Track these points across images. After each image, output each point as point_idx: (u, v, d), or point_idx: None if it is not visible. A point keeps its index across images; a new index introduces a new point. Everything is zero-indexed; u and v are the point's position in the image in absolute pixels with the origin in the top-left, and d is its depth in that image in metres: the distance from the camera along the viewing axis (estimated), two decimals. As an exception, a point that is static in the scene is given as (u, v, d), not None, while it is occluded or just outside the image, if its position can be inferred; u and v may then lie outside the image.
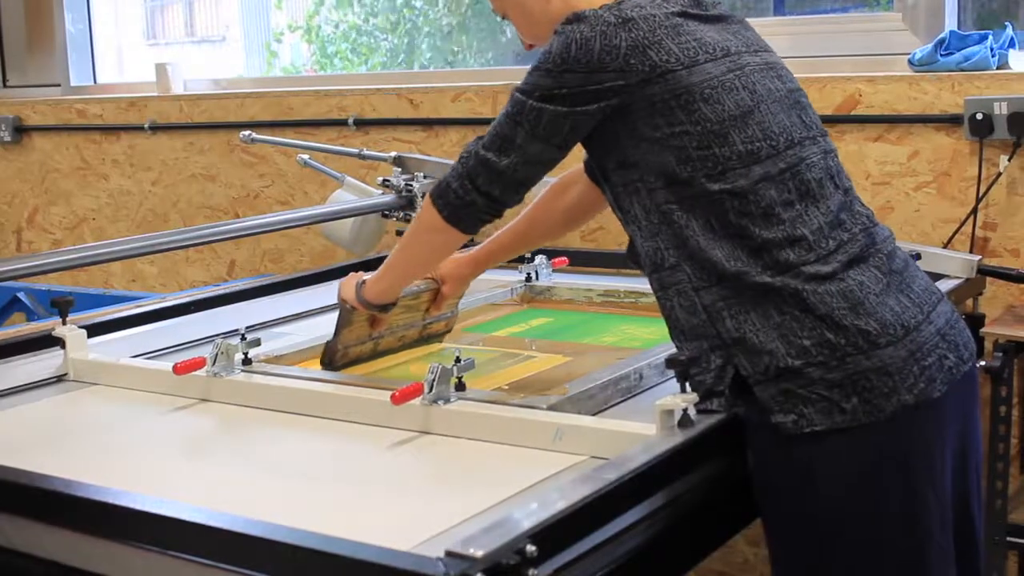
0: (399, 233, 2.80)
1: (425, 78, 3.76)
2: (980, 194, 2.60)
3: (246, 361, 1.97)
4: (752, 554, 2.93)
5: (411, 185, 2.93)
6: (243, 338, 1.98)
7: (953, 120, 2.64)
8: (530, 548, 1.18)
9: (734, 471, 1.64)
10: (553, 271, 2.66)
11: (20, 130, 4.32)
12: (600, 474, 1.40)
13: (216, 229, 2.75)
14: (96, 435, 1.86)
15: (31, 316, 3.36)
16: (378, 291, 1.96)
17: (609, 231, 3.08)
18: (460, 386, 1.78)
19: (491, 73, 3.57)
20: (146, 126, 3.98)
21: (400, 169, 3.00)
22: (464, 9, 3.89)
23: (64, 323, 2.15)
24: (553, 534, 1.25)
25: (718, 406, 1.60)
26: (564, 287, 2.59)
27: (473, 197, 1.72)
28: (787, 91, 1.69)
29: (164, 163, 3.99)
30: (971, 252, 2.60)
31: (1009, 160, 2.59)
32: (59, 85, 4.41)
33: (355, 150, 3.17)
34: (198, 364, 1.95)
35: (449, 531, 1.36)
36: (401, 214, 2.95)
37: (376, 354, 2.09)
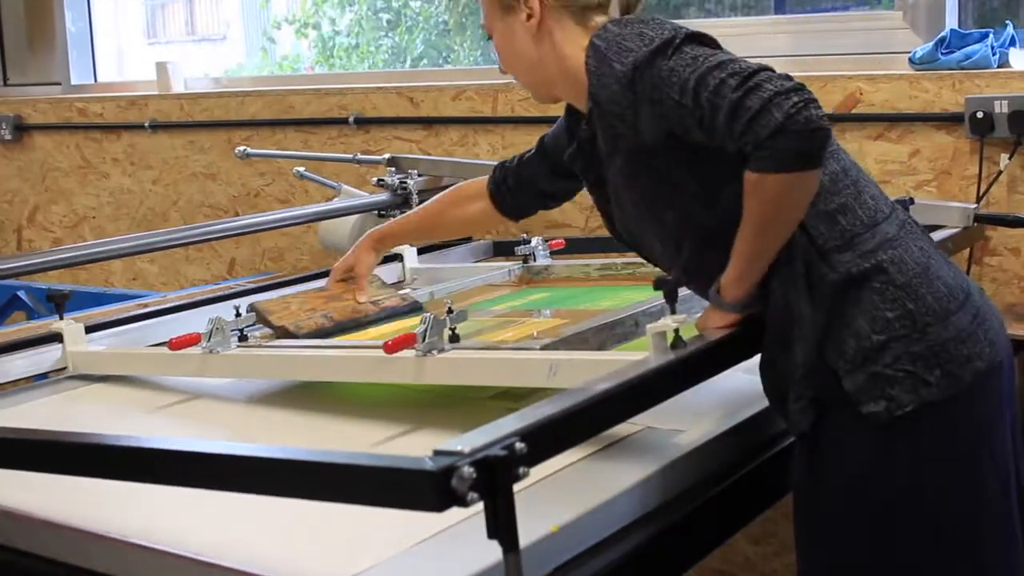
0: None
1: (425, 76, 3.76)
2: (981, 193, 2.60)
3: (242, 337, 1.98)
4: (752, 552, 2.93)
5: (405, 183, 2.94)
6: (238, 314, 1.99)
7: (954, 119, 2.63)
8: (519, 445, 1.15)
9: (733, 470, 1.64)
10: (550, 252, 2.66)
11: (21, 128, 4.32)
12: (592, 385, 1.39)
13: (216, 227, 2.76)
14: (97, 429, 1.86)
15: (31, 315, 3.36)
16: (733, 280, 1.63)
17: (609, 230, 3.07)
18: (454, 337, 1.77)
19: (492, 72, 3.55)
20: (146, 125, 3.98)
21: (394, 168, 3.00)
22: (461, 7, 3.90)
23: (61, 317, 2.16)
24: (543, 434, 1.23)
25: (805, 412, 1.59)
26: (561, 265, 2.59)
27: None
28: None
29: (164, 162, 3.99)
30: (971, 249, 2.61)
31: (1010, 159, 2.58)
32: (60, 84, 4.41)
33: (350, 156, 3.17)
34: (193, 340, 1.96)
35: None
36: (397, 212, 2.95)
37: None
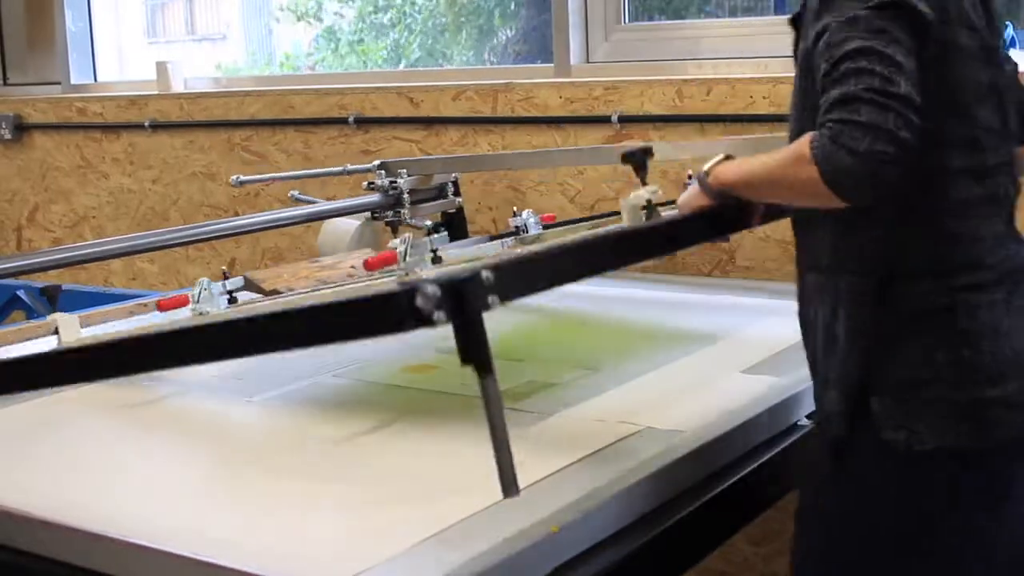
0: (389, 225, 2.82)
1: (426, 76, 3.76)
2: (981, 193, 2.59)
3: (232, 300, 1.99)
4: (752, 553, 2.93)
5: (396, 183, 2.95)
6: (225, 276, 2.00)
7: (954, 119, 2.63)
8: (486, 273, 1.19)
9: (733, 471, 1.64)
10: (543, 226, 2.67)
11: (20, 128, 4.32)
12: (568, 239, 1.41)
13: (216, 227, 2.76)
14: (88, 428, 1.86)
15: (31, 314, 3.35)
16: (728, 175, 1.61)
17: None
18: (436, 259, 1.76)
19: (492, 72, 3.57)
20: (146, 124, 3.97)
21: (384, 172, 3.01)
22: (457, 8, 3.90)
23: (55, 309, 2.17)
24: (511, 269, 1.25)
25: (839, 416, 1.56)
26: (553, 232, 2.59)
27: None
28: (989, 81, 1.58)
29: (164, 161, 3.99)
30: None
31: (1010, 159, 2.58)
32: (59, 83, 4.41)
33: (338, 168, 3.17)
34: (182, 301, 1.96)
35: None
36: (390, 214, 2.96)
37: None
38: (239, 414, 1.89)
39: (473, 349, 1.15)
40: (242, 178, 3.10)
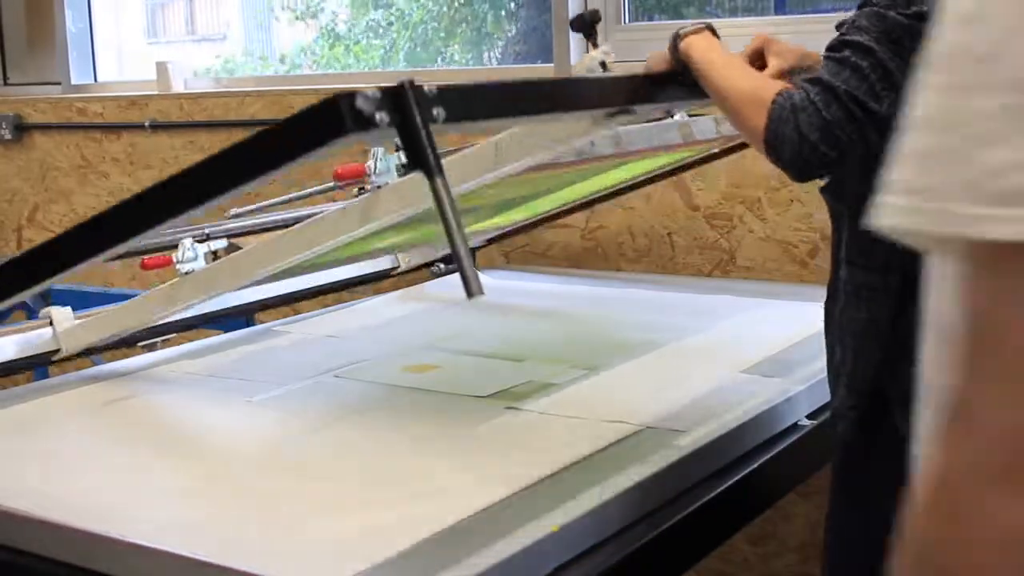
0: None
1: (425, 77, 3.76)
2: (980, 193, 2.59)
3: (215, 257, 2.02)
4: (752, 553, 2.93)
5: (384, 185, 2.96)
6: (207, 237, 2.03)
7: (953, 119, 2.63)
8: (429, 87, 1.20)
9: (733, 471, 1.64)
10: None
11: (20, 128, 4.32)
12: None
13: (216, 228, 2.76)
14: (74, 425, 1.86)
15: (31, 314, 3.35)
16: (695, 51, 1.64)
17: (608, 228, 3.07)
18: (404, 171, 1.78)
19: (491, 72, 3.57)
20: (146, 124, 3.98)
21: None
22: (453, 12, 3.90)
23: (48, 304, 2.18)
24: (457, 89, 1.26)
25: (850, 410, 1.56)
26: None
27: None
28: None
29: (164, 161, 4.00)
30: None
31: (1009, 159, 2.58)
32: (59, 83, 4.41)
33: (330, 184, 3.17)
34: (167, 261, 1.99)
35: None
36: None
37: None
38: (239, 414, 1.89)
39: (419, 152, 1.18)
40: (236, 211, 3.12)
